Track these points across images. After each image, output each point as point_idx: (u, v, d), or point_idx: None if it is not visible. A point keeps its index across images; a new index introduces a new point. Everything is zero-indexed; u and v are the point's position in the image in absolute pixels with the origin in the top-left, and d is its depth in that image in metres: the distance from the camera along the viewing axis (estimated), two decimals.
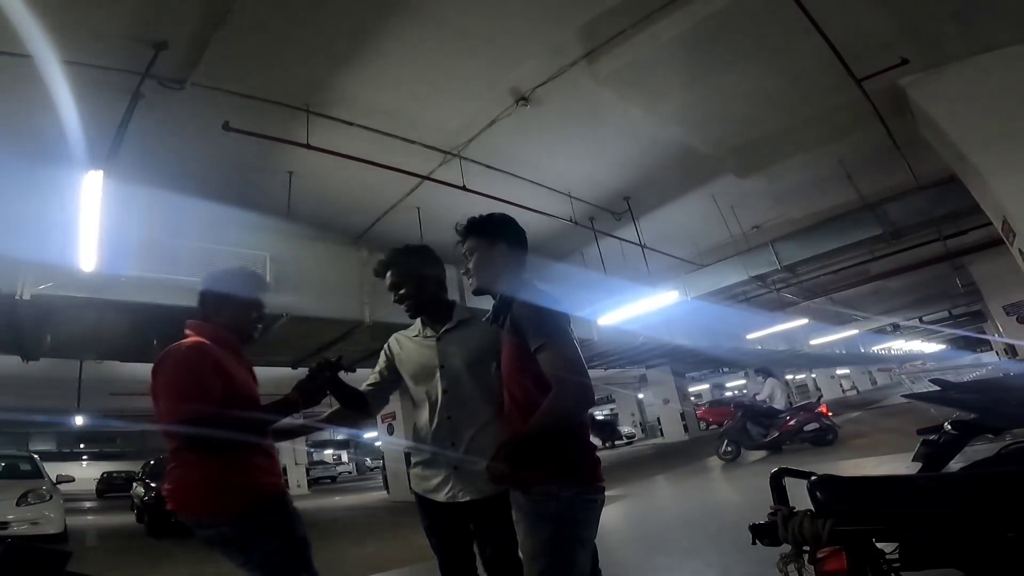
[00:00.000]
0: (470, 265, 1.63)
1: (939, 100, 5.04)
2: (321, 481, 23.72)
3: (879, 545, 1.28)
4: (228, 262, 5.54)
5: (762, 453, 8.94)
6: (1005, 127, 4.59)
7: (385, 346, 1.95)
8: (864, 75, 4.98)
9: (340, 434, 26.20)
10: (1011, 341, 10.70)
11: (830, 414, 8.84)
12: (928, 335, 26.30)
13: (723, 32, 4.57)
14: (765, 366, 10.98)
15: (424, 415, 1.79)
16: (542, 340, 1.40)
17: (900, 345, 30.08)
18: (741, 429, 8.83)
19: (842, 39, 4.57)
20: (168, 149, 5.19)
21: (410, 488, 1.87)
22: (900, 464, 4.42)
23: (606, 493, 1.49)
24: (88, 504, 15.02)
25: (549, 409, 1.35)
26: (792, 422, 8.61)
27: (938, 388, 2.12)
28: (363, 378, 1.92)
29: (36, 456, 7.40)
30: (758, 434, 8.74)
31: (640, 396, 26.01)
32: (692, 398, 23.13)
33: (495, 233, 1.63)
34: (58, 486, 6.85)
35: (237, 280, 1.88)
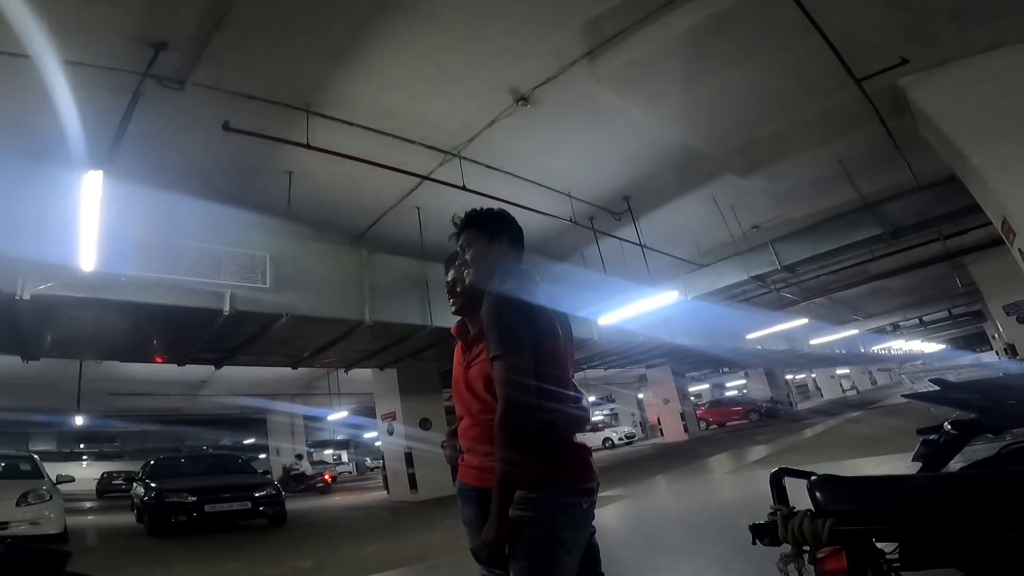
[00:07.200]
0: (467, 258, 1.59)
1: (939, 100, 5.04)
2: None
3: (879, 545, 1.28)
4: (228, 262, 5.55)
5: (763, 452, 9.79)
6: (1005, 127, 4.58)
7: None
8: (864, 75, 4.98)
9: (340, 434, 26.20)
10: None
11: (330, 480, 16.06)
12: (928, 335, 26.32)
13: (723, 32, 4.57)
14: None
15: None
16: (496, 352, 1.36)
17: (900, 345, 30.08)
18: (285, 483, 13.27)
19: (842, 39, 4.56)
20: (168, 149, 5.19)
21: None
22: (900, 464, 4.43)
23: (607, 493, 1.46)
24: (88, 504, 15.01)
25: (498, 444, 1.29)
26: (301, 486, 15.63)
27: (938, 388, 2.11)
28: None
29: (36, 456, 7.37)
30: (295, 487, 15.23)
31: (640, 396, 26.03)
32: (692, 398, 23.14)
33: (494, 227, 1.61)
34: (58, 486, 6.83)
35: None
